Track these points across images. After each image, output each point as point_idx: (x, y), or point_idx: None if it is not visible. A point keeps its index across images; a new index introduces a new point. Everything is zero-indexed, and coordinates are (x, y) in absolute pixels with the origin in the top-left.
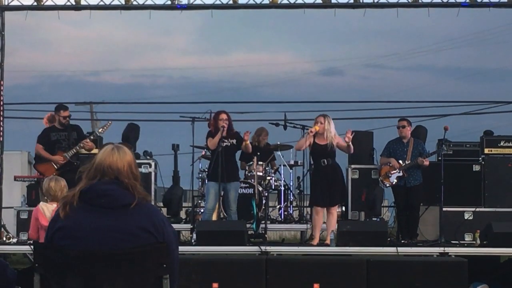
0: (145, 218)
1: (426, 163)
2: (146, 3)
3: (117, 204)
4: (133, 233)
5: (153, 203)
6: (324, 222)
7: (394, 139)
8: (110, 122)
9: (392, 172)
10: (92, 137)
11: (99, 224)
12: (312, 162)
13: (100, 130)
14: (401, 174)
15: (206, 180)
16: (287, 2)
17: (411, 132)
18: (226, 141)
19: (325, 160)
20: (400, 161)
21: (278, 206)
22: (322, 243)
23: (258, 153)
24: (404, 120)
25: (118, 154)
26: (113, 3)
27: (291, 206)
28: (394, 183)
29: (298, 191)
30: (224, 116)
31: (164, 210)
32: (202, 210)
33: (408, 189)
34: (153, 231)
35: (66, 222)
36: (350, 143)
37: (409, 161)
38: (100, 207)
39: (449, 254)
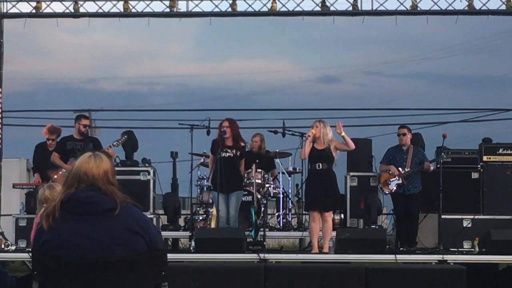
0: (129, 219)
1: (431, 168)
2: (145, 10)
3: (99, 210)
4: (121, 236)
5: (151, 210)
6: (321, 230)
7: (394, 147)
8: (126, 137)
9: (391, 179)
10: (112, 146)
11: (84, 231)
12: (309, 168)
13: (114, 143)
14: (400, 181)
15: (205, 189)
16: (285, 9)
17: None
18: (229, 151)
19: (320, 164)
20: (400, 169)
21: (276, 214)
22: (320, 251)
23: (257, 160)
24: (405, 128)
25: (95, 162)
26: (112, 10)
27: (290, 213)
28: (393, 190)
29: (297, 198)
30: (225, 123)
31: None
32: (200, 218)
33: (407, 196)
34: (139, 230)
35: (51, 234)
36: (345, 135)
37: (409, 169)
38: (83, 215)
39: (448, 261)
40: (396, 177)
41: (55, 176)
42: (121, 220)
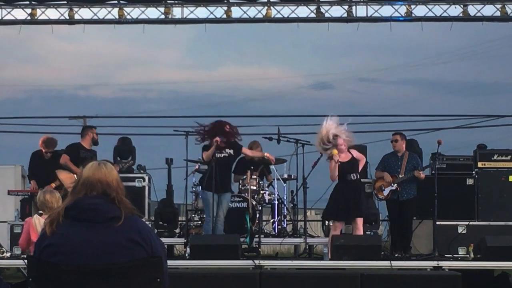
0: (131, 230)
1: (422, 176)
2: (140, 17)
3: (103, 218)
4: (122, 245)
5: (146, 217)
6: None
7: (389, 153)
8: (131, 161)
9: (385, 185)
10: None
11: (87, 238)
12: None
13: (122, 165)
14: (394, 188)
15: (199, 193)
16: (280, 16)
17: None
18: (224, 152)
19: (353, 175)
20: (395, 175)
21: (271, 220)
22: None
23: (252, 167)
24: (397, 134)
25: (106, 169)
26: (107, 17)
27: (285, 220)
28: (387, 196)
29: (292, 205)
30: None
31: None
32: (195, 224)
33: (401, 203)
34: (141, 242)
35: (53, 239)
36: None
37: (403, 175)
38: (87, 222)
39: (443, 268)
40: (391, 183)
41: (64, 177)
42: (123, 229)
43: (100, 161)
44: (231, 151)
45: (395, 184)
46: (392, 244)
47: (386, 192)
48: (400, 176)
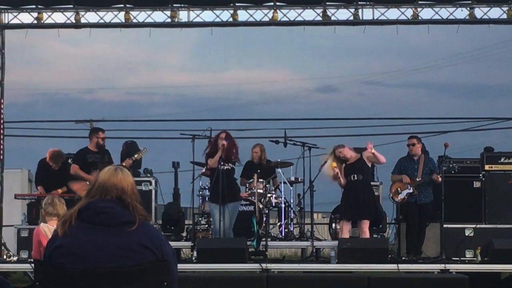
0: (143, 235)
1: (439, 179)
2: (146, 20)
3: (115, 221)
4: (133, 249)
5: (153, 220)
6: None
7: (405, 157)
8: (145, 149)
9: (402, 188)
10: (134, 158)
11: (97, 241)
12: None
13: (136, 156)
14: (411, 191)
15: (207, 199)
16: (287, 19)
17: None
18: (226, 164)
19: (355, 176)
20: (413, 178)
21: (278, 223)
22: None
23: (259, 171)
24: (414, 138)
25: (122, 175)
26: (113, 21)
27: (292, 223)
28: (403, 199)
29: (299, 208)
30: (223, 135)
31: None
32: (202, 228)
33: (419, 206)
34: (152, 247)
35: (64, 240)
36: (375, 152)
37: (420, 179)
38: (99, 225)
39: (450, 270)
40: (408, 186)
41: (77, 187)
42: (135, 234)
43: (117, 166)
44: (233, 165)
45: (412, 187)
46: (407, 247)
47: (402, 195)
48: (417, 179)
